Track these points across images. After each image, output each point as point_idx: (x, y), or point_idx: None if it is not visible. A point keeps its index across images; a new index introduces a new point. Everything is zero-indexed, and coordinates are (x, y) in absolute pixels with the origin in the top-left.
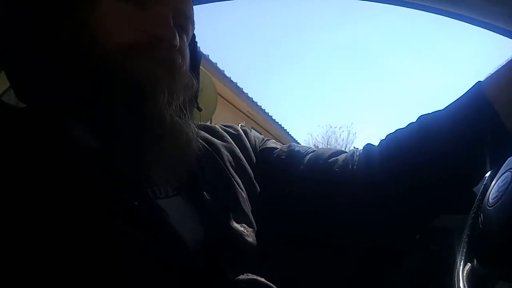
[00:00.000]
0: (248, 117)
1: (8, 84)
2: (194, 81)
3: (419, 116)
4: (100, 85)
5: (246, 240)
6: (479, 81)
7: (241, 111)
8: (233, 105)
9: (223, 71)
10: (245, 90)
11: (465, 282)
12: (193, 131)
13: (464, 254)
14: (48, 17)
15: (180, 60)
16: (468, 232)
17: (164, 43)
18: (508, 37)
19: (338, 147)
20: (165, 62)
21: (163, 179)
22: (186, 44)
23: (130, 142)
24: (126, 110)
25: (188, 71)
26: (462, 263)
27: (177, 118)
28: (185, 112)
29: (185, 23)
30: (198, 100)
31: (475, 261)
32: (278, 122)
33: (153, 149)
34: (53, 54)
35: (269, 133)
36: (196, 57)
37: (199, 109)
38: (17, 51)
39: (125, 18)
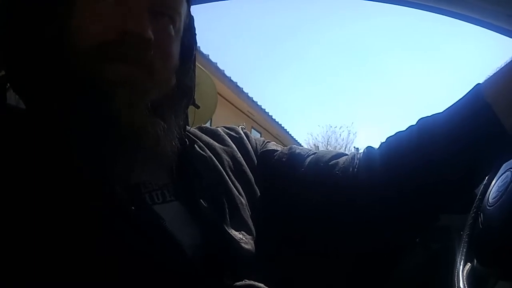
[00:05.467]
0: (248, 117)
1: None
2: (174, 76)
3: (419, 119)
4: (73, 89)
5: (244, 248)
6: (478, 84)
7: (241, 111)
8: (233, 105)
9: (223, 70)
10: (245, 90)
11: (465, 282)
12: (162, 129)
13: (464, 253)
14: (33, 18)
15: (153, 55)
16: (468, 232)
17: (133, 38)
18: (508, 36)
19: (338, 147)
20: (133, 59)
21: (154, 182)
22: (171, 35)
23: (93, 145)
24: (90, 115)
25: (167, 65)
26: (462, 263)
27: (142, 118)
28: (158, 110)
29: (167, 11)
30: (198, 100)
31: (475, 260)
32: (278, 122)
33: (112, 152)
34: (38, 56)
35: (269, 132)
36: (190, 50)
37: (196, 107)
38: (8, 51)
39: (98, 16)
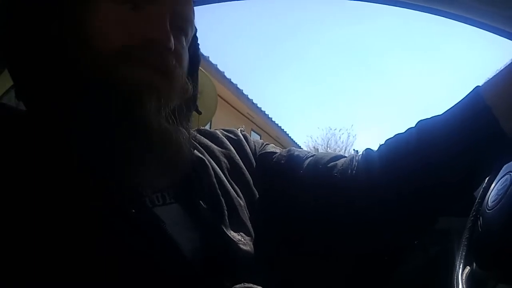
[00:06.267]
0: (248, 119)
1: (8, 85)
2: (190, 85)
3: (418, 121)
4: (92, 89)
5: (243, 249)
6: (477, 86)
7: (241, 113)
8: (233, 107)
9: (223, 72)
10: (245, 92)
11: (464, 285)
12: (184, 137)
13: (463, 257)
14: (48, 20)
15: (174, 64)
16: (467, 235)
17: (157, 46)
18: (507, 38)
19: (338, 149)
20: (157, 66)
21: (156, 184)
22: (185, 46)
23: (118, 148)
24: (113, 116)
25: (184, 75)
26: (461, 266)
27: (166, 124)
28: (177, 117)
29: (184, 25)
30: (198, 102)
31: (474, 264)
32: (278, 124)
33: (139, 156)
34: (51, 57)
35: (269, 135)
36: (196, 60)
37: (199, 113)
38: (17, 52)
39: (120, 21)
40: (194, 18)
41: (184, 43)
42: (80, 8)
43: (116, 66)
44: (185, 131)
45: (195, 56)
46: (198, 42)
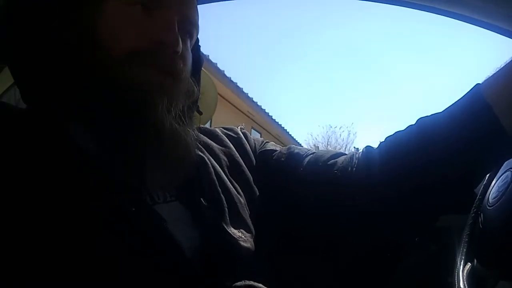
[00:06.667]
0: (248, 117)
1: (8, 84)
2: (195, 87)
3: (418, 119)
4: (102, 90)
5: (243, 246)
6: (477, 84)
7: (241, 111)
8: (233, 105)
9: (223, 71)
10: (245, 90)
11: (465, 282)
12: (193, 138)
13: (464, 253)
14: (54, 19)
15: (181, 66)
16: (468, 232)
17: (166, 49)
18: (508, 36)
19: (338, 147)
20: (166, 68)
21: (162, 184)
22: (189, 49)
23: (129, 148)
24: (125, 116)
25: (189, 77)
26: (462, 263)
27: (176, 125)
28: (185, 118)
29: (189, 28)
30: (200, 102)
31: (475, 260)
32: (278, 122)
33: (151, 156)
34: (58, 56)
35: (269, 133)
36: (199, 62)
37: (200, 113)
38: (22, 51)
39: (130, 23)
40: (198, 21)
41: (189, 46)
42: (91, 8)
43: (126, 67)
44: (192, 132)
45: (197, 57)
46: (199, 44)
